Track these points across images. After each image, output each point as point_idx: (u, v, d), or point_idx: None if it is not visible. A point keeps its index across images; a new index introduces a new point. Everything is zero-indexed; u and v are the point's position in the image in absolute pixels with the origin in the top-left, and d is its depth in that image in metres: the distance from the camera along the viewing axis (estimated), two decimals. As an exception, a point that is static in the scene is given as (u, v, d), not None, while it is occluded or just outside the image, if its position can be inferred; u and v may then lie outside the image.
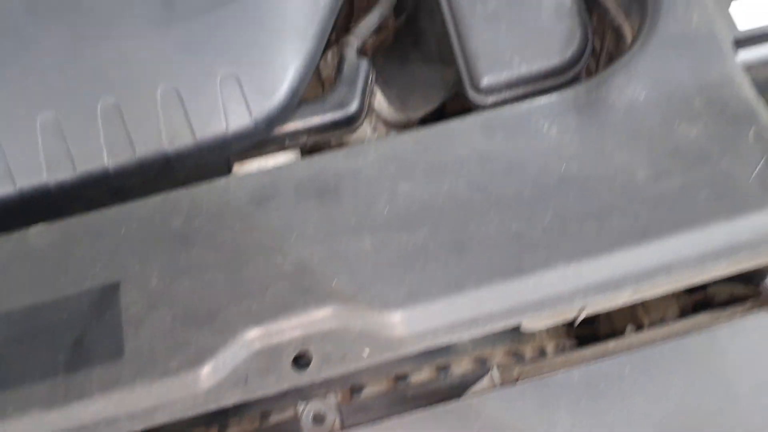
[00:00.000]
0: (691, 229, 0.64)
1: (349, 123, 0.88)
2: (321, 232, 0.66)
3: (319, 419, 0.63)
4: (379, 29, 0.99)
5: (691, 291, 0.80)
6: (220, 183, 0.71)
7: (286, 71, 0.80)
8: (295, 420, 0.64)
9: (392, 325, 0.62)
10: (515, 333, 0.74)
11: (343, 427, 0.64)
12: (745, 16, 0.90)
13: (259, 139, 0.81)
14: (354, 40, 0.91)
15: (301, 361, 0.62)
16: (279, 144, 0.86)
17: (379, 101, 1.00)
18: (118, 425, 0.60)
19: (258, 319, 0.62)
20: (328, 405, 0.63)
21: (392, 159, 0.72)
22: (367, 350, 0.61)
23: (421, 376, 0.75)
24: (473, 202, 0.68)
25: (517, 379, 0.70)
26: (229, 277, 0.65)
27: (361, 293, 0.63)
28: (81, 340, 0.64)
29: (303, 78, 0.82)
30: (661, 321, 0.80)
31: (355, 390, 0.73)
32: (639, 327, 0.81)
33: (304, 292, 0.63)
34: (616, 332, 0.81)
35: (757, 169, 0.67)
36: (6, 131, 0.75)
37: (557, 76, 0.82)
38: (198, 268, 0.65)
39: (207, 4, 0.78)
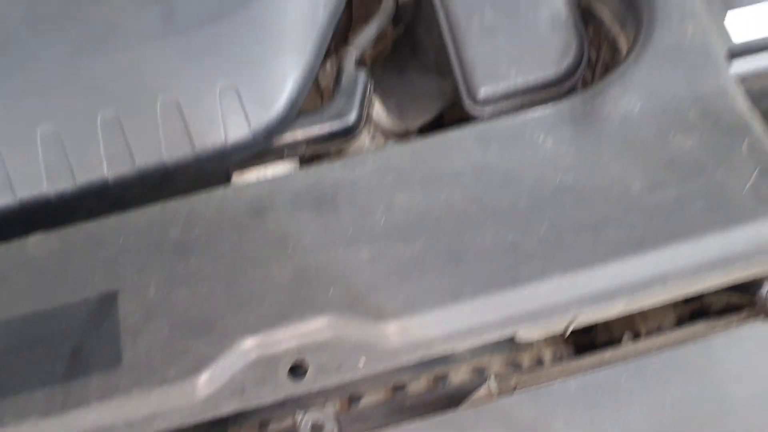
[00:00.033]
0: (686, 240, 0.65)
1: (348, 133, 0.89)
2: (318, 243, 0.67)
3: (317, 428, 0.63)
4: (377, 40, 1.00)
5: (687, 300, 0.81)
6: (218, 193, 0.72)
7: (285, 83, 0.81)
8: (294, 429, 0.64)
9: (388, 336, 0.63)
10: (512, 342, 0.74)
11: (341, 436, 0.64)
12: (740, 28, 0.91)
13: (258, 150, 0.81)
14: (352, 52, 0.92)
15: (297, 371, 0.62)
16: (278, 154, 0.87)
17: (378, 111, 1.00)
18: (115, 433, 0.61)
19: (255, 329, 0.63)
20: (327, 414, 0.64)
21: (389, 170, 0.72)
22: (362, 360, 0.62)
23: (419, 385, 0.75)
24: (469, 212, 0.68)
25: (514, 389, 0.70)
26: (227, 287, 0.65)
27: (357, 303, 0.63)
28: (79, 348, 0.64)
29: (302, 89, 0.83)
30: (658, 329, 0.80)
31: (354, 399, 0.73)
32: (636, 335, 0.81)
33: (300, 303, 0.64)
34: (613, 340, 0.81)
35: (751, 181, 0.67)
36: (7, 142, 0.76)
37: (553, 87, 0.83)
38: (195, 278, 0.66)
39: (206, 16, 0.79)
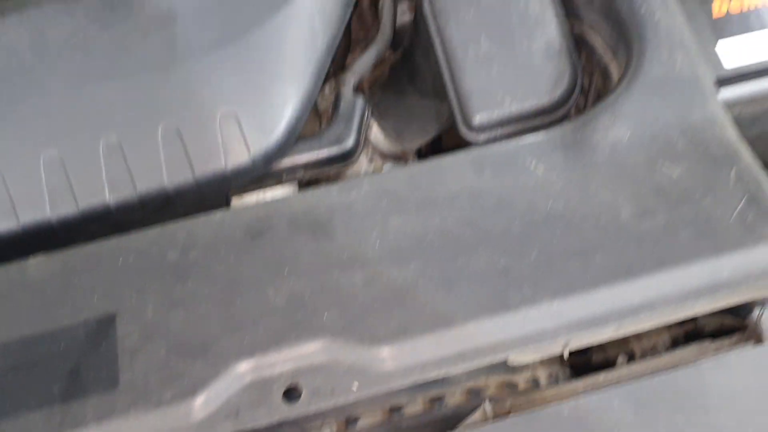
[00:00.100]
0: (674, 267, 0.66)
1: (346, 158, 0.90)
2: (313, 266, 0.68)
3: (313, 451, 0.64)
4: (375, 65, 1.02)
5: (682, 321, 0.81)
6: (216, 216, 0.74)
7: (285, 110, 0.83)
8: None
9: (381, 360, 0.64)
10: (506, 364, 0.75)
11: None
12: (731, 55, 0.93)
13: (258, 175, 0.83)
14: (351, 78, 0.94)
15: (291, 394, 0.63)
16: (277, 178, 0.88)
17: (375, 133, 1.02)
18: (111, 454, 0.62)
19: (250, 352, 0.64)
20: (322, 437, 0.65)
21: (384, 193, 0.74)
22: (356, 384, 0.63)
23: (416, 407, 0.76)
24: (462, 237, 0.70)
25: (508, 412, 0.71)
26: (223, 309, 0.66)
27: (351, 328, 0.64)
28: (77, 370, 0.65)
29: (301, 116, 0.85)
30: (653, 350, 0.81)
31: (350, 421, 0.74)
32: (630, 356, 0.82)
33: (295, 326, 0.65)
34: (608, 360, 0.82)
35: (738, 209, 0.68)
36: (11, 167, 0.78)
37: (547, 114, 0.85)
38: (193, 301, 0.67)
39: (208, 45, 0.81)
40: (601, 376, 0.74)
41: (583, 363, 0.86)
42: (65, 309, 0.68)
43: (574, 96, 0.85)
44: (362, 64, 0.96)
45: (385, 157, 1.06)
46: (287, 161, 0.86)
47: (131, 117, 0.79)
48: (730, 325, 0.77)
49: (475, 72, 0.84)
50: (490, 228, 0.70)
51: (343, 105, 0.91)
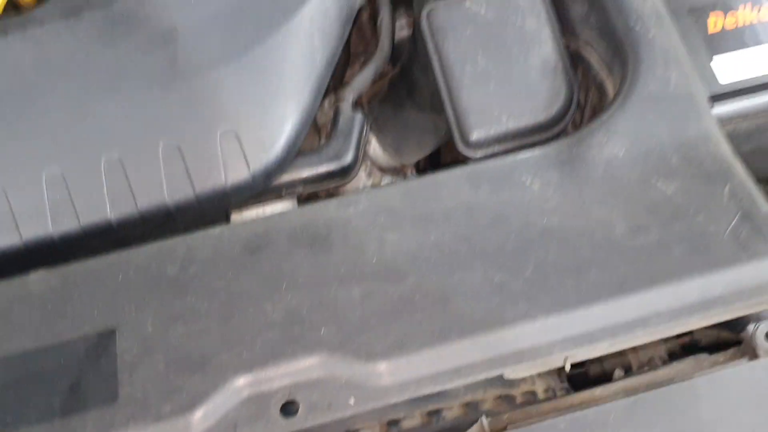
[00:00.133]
0: (667, 283, 0.66)
1: (344, 174, 0.92)
2: (311, 281, 0.69)
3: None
4: (374, 80, 1.04)
5: (678, 335, 0.82)
6: (215, 231, 0.75)
7: (284, 126, 0.84)
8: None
9: (378, 375, 0.64)
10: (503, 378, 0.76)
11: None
12: (726, 71, 0.94)
13: (257, 191, 0.84)
14: (349, 94, 0.96)
15: (289, 409, 0.64)
16: (276, 193, 0.89)
17: (374, 148, 1.03)
18: (110, 468, 0.62)
19: (248, 367, 0.65)
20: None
21: (382, 209, 0.75)
22: (352, 399, 0.63)
23: (413, 421, 0.76)
24: (458, 253, 0.71)
25: (506, 427, 0.71)
26: (222, 324, 0.67)
27: (348, 343, 0.65)
28: (77, 384, 0.66)
29: (300, 132, 0.86)
30: (649, 363, 0.81)
31: (349, 434, 0.74)
32: (627, 369, 0.82)
33: (292, 341, 0.65)
34: (605, 373, 0.83)
35: (731, 226, 0.69)
36: (13, 184, 0.79)
37: (544, 131, 0.85)
38: (191, 315, 0.68)
39: (209, 63, 0.82)
40: (598, 390, 0.74)
41: (581, 375, 0.86)
42: (66, 323, 0.69)
43: (570, 112, 0.86)
44: (361, 80, 0.97)
45: (384, 171, 1.07)
46: (286, 177, 0.87)
47: (133, 134, 0.80)
48: (726, 339, 0.78)
49: (472, 89, 0.85)
50: (486, 243, 0.71)
51: (342, 121, 0.92)
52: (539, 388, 0.83)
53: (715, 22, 0.95)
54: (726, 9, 0.96)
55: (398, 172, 1.09)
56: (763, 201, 0.71)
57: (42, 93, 0.81)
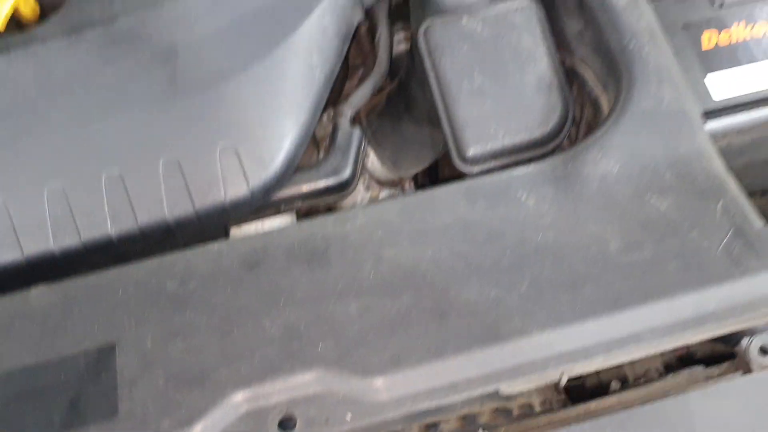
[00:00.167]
0: (661, 299, 0.67)
1: (342, 189, 0.93)
2: (309, 297, 0.70)
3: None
4: (372, 96, 1.05)
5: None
6: (214, 247, 0.75)
7: (283, 142, 0.85)
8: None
9: (375, 390, 0.65)
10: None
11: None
12: (720, 87, 0.95)
13: (256, 206, 0.85)
14: (348, 110, 0.97)
15: (286, 424, 0.64)
16: (275, 208, 0.90)
17: (372, 161, 1.05)
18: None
19: (246, 382, 0.65)
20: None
21: (379, 225, 0.76)
22: (349, 414, 0.64)
23: (411, 433, 0.77)
24: (455, 268, 0.71)
25: (502, 440, 0.72)
26: (220, 339, 0.68)
27: (345, 358, 0.66)
28: (77, 399, 0.67)
29: (299, 148, 0.87)
30: (645, 375, 0.82)
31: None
32: (624, 381, 0.83)
33: (290, 356, 0.66)
34: (602, 384, 0.83)
35: (724, 242, 0.70)
36: (16, 200, 0.80)
37: (540, 147, 0.86)
38: (191, 331, 0.69)
39: (208, 80, 0.83)
40: (594, 404, 0.75)
41: (577, 387, 0.87)
42: (66, 338, 0.69)
43: (566, 128, 0.87)
44: (359, 96, 0.98)
45: (382, 184, 1.08)
46: (285, 192, 0.88)
47: (133, 150, 0.81)
48: (721, 351, 0.79)
49: (468, 105, 0.86)
50: (482, 259, 0.71)
51: (340, 136, 0.94)
52: (536, 401, 0.84)
53: (709, 39, 0.96)
54: (720, 26, 0.97)
55: (396, 184, 1.10)
56: (755, 217, 0.72)
57: (44, 110, 0.82)
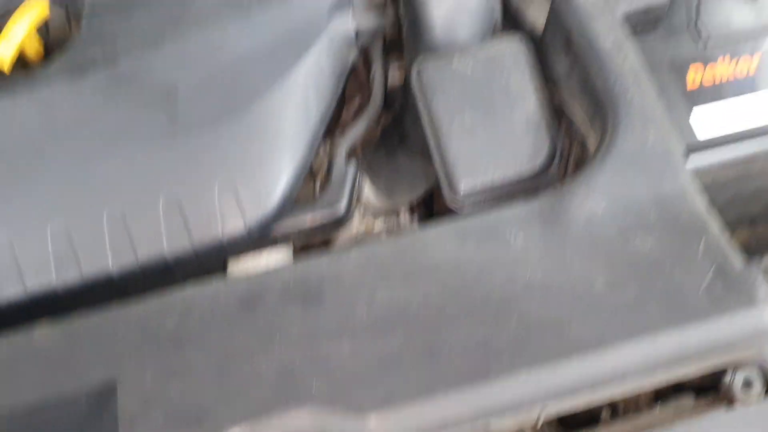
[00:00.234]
0: (644, 338, 0.69)
1: (338, 223, 0.95)
2: (303, 336, 0.72)
3: None
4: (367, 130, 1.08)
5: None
6: (212, 287, 0.77)
7: (279, 179, 0.88)
8: None
9: (368, 429, 0.67)
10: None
11: None
12: (704, 125, 0.98)
13: (253, 243, 0.87)
14: (343, 146, 0.99)
15: (282, 461, 0.66)
16: (271, 242, 0.93)
17: (367, 192, 1.07)
18: None
19: (242, 421, 0.67)
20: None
21: (372, 264, 0.78)
22: (342, 452, 0.66)
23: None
24: (446, 307, 0.74)
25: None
26: (218, 378, 0.70)
27: (338, 396, 0.68)
28: (79, 437, 0.69)
29: (295, 184, 0.90)
30: (636, 403, 0.84)
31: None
32: (614, 409, 0.85)
33: (285, 395, 0.68)
34: (593, 413, 0.85)
35: (707, 281, 0.72)
36: (20, 237, 0.82)
37: (528, 182, 0.89)
38: (189, 370, 0.71)
39: (207, 120, 0.86)
40: (584, 434, 0.77)
41: (569, 415, 0.89)
42: (69, 377, 0.72)
43: (554, 166, 0.89)
44: (354, 132, 1.01)
45: (377, 214, 1.11)
46: (281, 227, 0.91)
47: (134, 189, 0.84)
48: (710, 379, 0.81)
49: (459, 143, 0.89)
50: (471, 298, 0.74)
51: (336, 172, 0.96)
52: (527, 430, 0.86)
53: (693, 78, 0.99)
54: (705, 63, 1.00)
55: (391, 214, 1.13)
56: (736, 256, 0.75)
57: (48, 149, 0.85)
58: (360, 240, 1.06)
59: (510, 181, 0.89)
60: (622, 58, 0.87)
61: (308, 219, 0.93)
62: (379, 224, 1.11)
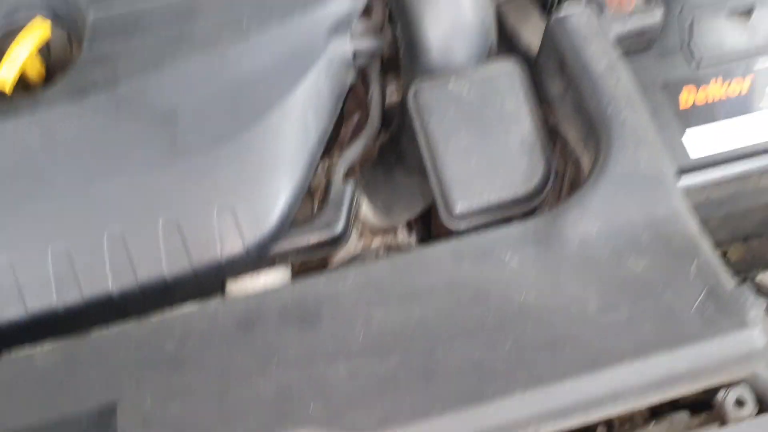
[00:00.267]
0: (636, 359, 0.70)
1: (335, 243, 0.96)
2: (301, 358, 0.73)
3: None
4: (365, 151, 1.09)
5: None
6: (211, 308, 0.78)
7: (278, 200, 0.89)
8: None
9: (363, 449, 0.68)
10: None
11: None
12: (697, 145, 0.99)
13: (251, 263, 0.89)
14: (341, 167, 1.01)
15: (279, 482, 0.67)
16: (269, 262, 0.94)
17: (365, 210, 1.09)
18: None
19: (241, 442, 0.68)
20: None
21: (368, 285, 0.79)
22: (339, 473, 0.67)
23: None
24: (441, 329, 0.75)
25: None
26: (216, 400, 0.71)
27: (335, 418, 0.69)
28: (79, 458, 0.69)
29: (293, 205, 0.91)
30: (631, 420, 0.85)
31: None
32: (610, 426, 0.86)
33: (282, 417, 0.69)
34: (589, 429, 0.86)
35: (698, 302, 0.73)
36: (21, 258, 0.83)
37: (523, 203, 0.90)
38: (188, 391, 0.72)
39: (206, 143, 0.87)
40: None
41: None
42: (70, 398, 0.72)
43: (548, 186, 0.90)
44: (351, 153, 1.03)
45: (375, 232, 1.12)
46: (279, 247, 0.92)
47: (134, 210, 0.85)
48: (705, 397, 0.82)
49: (456, 164, 0.90)
50: (467, 319, 0.75)
51: (334, 192, 0.97)
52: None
53: (686, 98, 1.01)
54: (698, 84, 1.02)
55: (388, 232, 1.14)
56: (727, 278, 0.76)
57: (49, 171, 0.86)
58: (358, 257, 1.07)
59: (506, 202, 0.90)
60: (615, 80, 0.88)
61: (306, 239, 0.94)
62: (377, 242, 1.13)
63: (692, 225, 0.80)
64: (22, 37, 0.93)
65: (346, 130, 1.18)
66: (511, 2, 1.10)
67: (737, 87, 1.02)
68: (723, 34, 1.05)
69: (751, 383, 0.79)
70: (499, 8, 1.08)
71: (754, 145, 1.00)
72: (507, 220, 0.90)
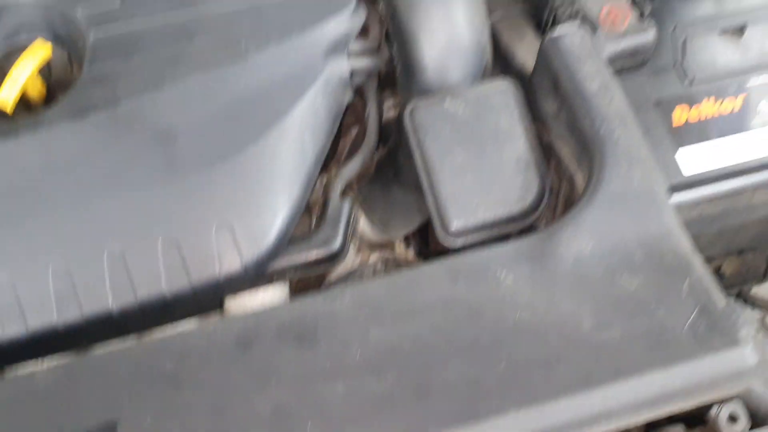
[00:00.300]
0: (630, 377, 0.71)
1: (333, 259, 0.97)
2: (298, 376, 0.74)
3: None
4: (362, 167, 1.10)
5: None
6: (209, 326, 0.79)
7: (276, 218, 0.90)
8: None
9: (360, 468, 0.69)
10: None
11: None
12: (691, 162, 1.00)
13: (249, 280, 0.90)
14: (338, 184, 1.02)
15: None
16: (267, 279, 0.95)
17: (363, 225, 1.10)
18: None
19: (238, 461, 0.69)
20: None
21: (365, 304, 0.80)
22: (335, 492, 0.67)
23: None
24: (436, 347, 0.75)
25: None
26: (214, 418, 0.72)
27: (332, 437, 0.70)
28: (79, 476, 0.70)
29: (291, 223, 0.92)
30: None
31: None
32: None
33: (280, 436, 0.70)
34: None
35: (690, 320, 0.74)
36: (21, 277, 0.84)
37: (518, 221, 0.91)
38: (187, 410, 0.72)
39: (205, 161, 0.89)
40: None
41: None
42: (70, 417, 0.73)
43: (543, 204, 0.91)
44: (349, 170, 1.04)
45: (372, 246, 1.13)
46: (277, 264, 0.93)
47: (134, 229, 0.86)
48: (700, 411, 0.83)
49: (451, 182, 0.91)
50: (462, 338, 0.76)
51: (331, 209, 0.99)
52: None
53: (679, 116, 1.02)
54: (691, 102, 1.03)
55: (386, 246, 1.15)
56: (720, 296, 0.77)
57: (50, 191, 0.87)
58: (356, 273, 1.08)
59: (501, 220, 0.91)
60: (609, 100, 0.89)
61: (304, 256, 0.95)
62: (374, 256, 1.14)
63: (684, 243, 0.81)
64: (23, 58, 0.95)
65: (344, 144, 1.19)
66: (505, 21, 1.12)
67: (730, 105, 1.03)
68: (716, 52, 1.06)
69: (744, 399, 0.80)
70: (494, 27, 1.09)
71: (746, 162, 1.02)
72: (503, 237, 0.91)
